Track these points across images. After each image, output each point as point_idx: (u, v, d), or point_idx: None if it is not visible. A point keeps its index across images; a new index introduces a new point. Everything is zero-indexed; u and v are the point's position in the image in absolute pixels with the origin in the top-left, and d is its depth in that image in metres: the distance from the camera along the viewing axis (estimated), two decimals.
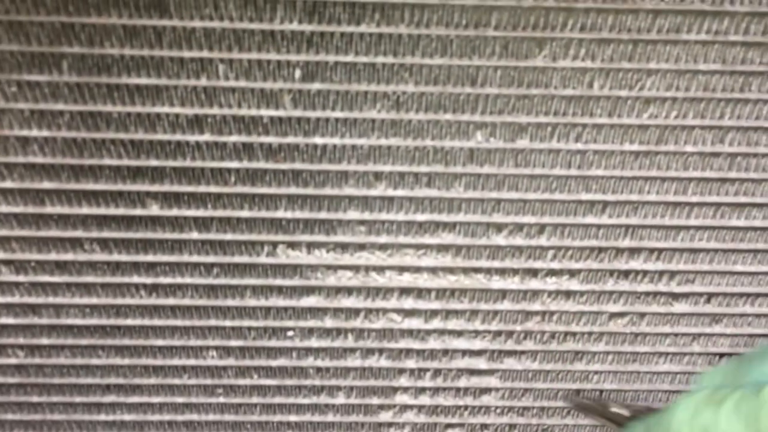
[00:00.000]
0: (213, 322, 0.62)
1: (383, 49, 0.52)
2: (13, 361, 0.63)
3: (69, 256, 0.59)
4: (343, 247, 0.59)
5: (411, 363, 0.63)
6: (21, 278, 0.59)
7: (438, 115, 0.54)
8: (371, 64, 0.53)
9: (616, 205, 0.58)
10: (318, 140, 0.55)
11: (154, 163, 0.55)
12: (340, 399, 0.65)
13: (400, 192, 0.57)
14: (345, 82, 0.53)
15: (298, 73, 0.53)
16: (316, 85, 0.53)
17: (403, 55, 0.52)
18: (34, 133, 0.54)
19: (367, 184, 0.57)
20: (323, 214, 0.58)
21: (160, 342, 0.62)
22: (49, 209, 0.57)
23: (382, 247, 0.59)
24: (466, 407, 0.66)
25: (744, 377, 0.47)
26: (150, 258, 0.59)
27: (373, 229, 0.59)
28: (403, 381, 0.64)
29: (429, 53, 0.52)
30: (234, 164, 0.56)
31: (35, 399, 0.65)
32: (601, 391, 0.64)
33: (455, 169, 0.56)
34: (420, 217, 0.58)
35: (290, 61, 0.52)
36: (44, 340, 0.62)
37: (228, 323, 0.62)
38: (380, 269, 0.60)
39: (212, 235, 0.58)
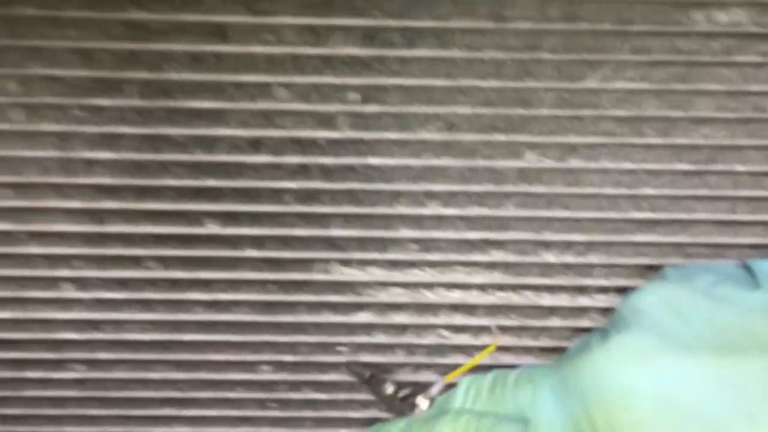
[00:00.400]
0: (267, 338, 0.63)
1: (438, 72, 0.53)
2: (73, 375, 0.65)
3: (130, 273, 0.61)
4: (395, 264, 0.60)
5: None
6: (83, 295, 0.61)
7: (490, 136, 0.55)
8: (426, 86, 0.54)
9: (666, 223, 0.58)
10: (372, 160, 0.56)
11: (213, 183, 0.57)
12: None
13: (451, 210, 0.58)
14: (400, 104, 0.55)
15: (354, 95, 0.54)
16: (371, 108, 0.55)
17: (458, 78, 0.54)
18: (100, 155, 0.56)
19: (419, 203, 0.58)
20: (376, 233, 0.59)
21: (215, 357, 0.64)
22: (111, 228, 0.59)
23: (433, 265, 0.60)
24: None
25: (507, 405, 0.47)
26: (208, 275, 0.61)
27: (425, 246, 0.60)
28: None
29: (483, 76, 0.53)
30: (290, 184, 0.57)
31: (94, 412, 0.66)
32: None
33: (506, 188, 0.57)
34: (471, 235, 0.59)
35: (347, 84, 0.54)
36: (104, 355, 0.64)
37: (281, 338, 0.63)
38: (431, 286, 0.61)
39: (268, 253, 0.60)
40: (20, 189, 0.57)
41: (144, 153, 0.56)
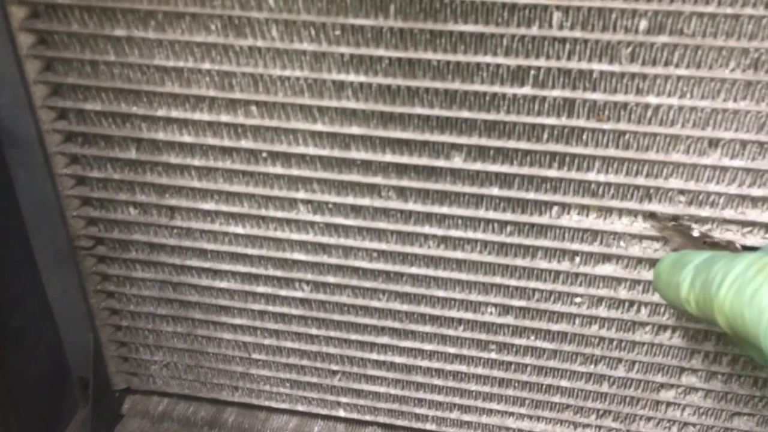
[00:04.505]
0: (497, 280, 0.60)
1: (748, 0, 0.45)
2: (299, 294, 0.66)
3: (365, 201, 0.59)
4: (657, 217, 0.54)
5: (709, 346, 0.58)
6: (317, 218, 0.61)
7: None
8: (732, 15, 0.45)
9: None
10: (652, 100, 0.50)
11: (465, 114, 0.53)
12: (620, 372, 0.62)
13: (737, 162, 0.51)
14: (697, 35, 0.47)
15: (643, 24, 0.47)
16: (662, 38, 0.47)
17: None
18: (351, 77, 0.53)
19: (699, 151, 0.51)
20: (640, 180, 0.53)
21: (440, 293, 0.62)
22: (353, 154, 0.57)
23: (702, 221, 0.53)
24: (762, 398, 0.60)
25: None
26: (444, 210, 0.58)
27: (695, 200, 0.53)
28: (695, 363, 0.60)
29: None
30: (550, 121, 0.52)
31: (314, 331, 0.68)
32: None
33: None
34: (756, 191, 0.51)
35: (637, 10, 0.47)
36: (330, 279, 0.64)
37: (513, 282, 0.60)
38: None
39: (513, 193, 0.56)
40: (268, 108, 0.56)
41: (397, 78, 0.53)
